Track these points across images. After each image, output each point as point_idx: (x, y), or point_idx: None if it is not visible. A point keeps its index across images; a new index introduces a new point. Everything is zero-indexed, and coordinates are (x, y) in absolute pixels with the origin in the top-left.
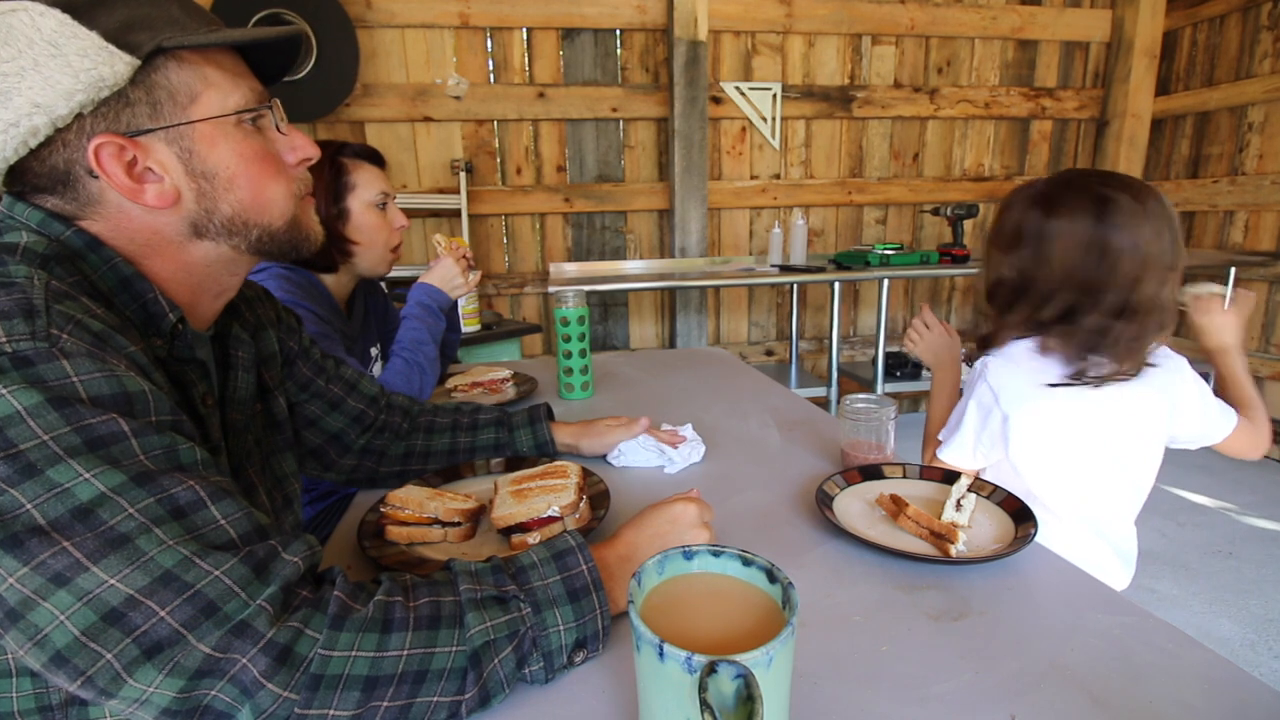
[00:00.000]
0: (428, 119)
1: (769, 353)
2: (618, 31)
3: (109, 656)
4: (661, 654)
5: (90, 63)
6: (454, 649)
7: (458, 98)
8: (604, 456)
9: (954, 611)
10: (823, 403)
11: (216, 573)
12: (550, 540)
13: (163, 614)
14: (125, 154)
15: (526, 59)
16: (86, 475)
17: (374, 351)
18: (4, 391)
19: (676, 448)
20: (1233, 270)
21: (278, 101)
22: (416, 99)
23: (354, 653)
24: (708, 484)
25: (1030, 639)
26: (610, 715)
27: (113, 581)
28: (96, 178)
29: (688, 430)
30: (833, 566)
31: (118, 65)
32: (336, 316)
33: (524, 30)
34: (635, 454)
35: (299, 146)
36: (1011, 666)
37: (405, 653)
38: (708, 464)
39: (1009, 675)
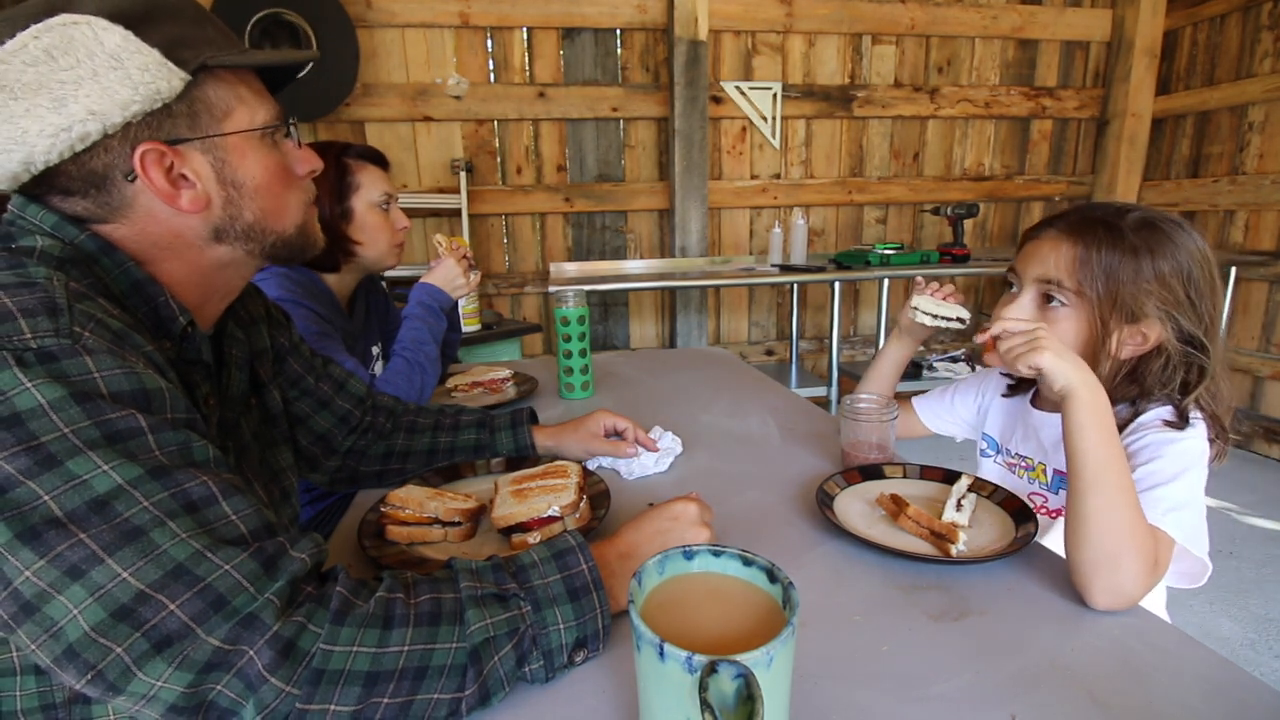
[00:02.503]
0: (428, 119)
1: (769, 352)
2: (618, 31)
3: (119, 650)
4: (662, 654)
5: (150, 77)
6: (454, 645)
7: (458, 97)
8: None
9: (954, 611)
10: (823, 403)
11: (227, 567)
12: (551, 540)
13: (173, 607)
14: (165, 160)
15: (527, 59)
16: (105, 467)
17: (375, 350)
18: (28, 385)
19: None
20: (1233, 270)
21: (294, 118)
22: (417, 99)
23: (355, 648)
24: (708, 484)
25: (1030, 639)
26: (610, 715)
27: (125, 575)
28: (133, 181)
29: (665, 439)
30: (833, 566)
31: (173, 81)
32: (338, 315)
33: (524, 30)
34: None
35: (306, 159)
36: (1011, 666)
37: (406, 649)
38: (709, 464)
39: (1009, 675)
